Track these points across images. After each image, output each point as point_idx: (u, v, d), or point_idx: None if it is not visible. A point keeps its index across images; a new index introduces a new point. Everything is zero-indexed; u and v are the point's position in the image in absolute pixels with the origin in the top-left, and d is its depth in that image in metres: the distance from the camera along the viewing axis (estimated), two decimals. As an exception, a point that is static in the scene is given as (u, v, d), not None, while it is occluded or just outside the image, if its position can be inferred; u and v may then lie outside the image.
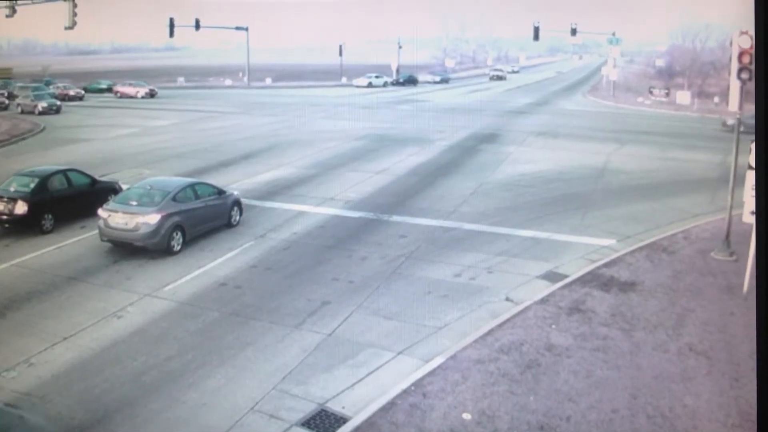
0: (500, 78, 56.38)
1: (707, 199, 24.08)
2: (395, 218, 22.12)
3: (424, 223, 21.56)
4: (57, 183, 21.58)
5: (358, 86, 53.98)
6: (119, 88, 64.08)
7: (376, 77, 53.11)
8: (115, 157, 32.10)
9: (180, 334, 14.39)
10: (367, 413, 11.54)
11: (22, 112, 45.58)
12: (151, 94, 60.78)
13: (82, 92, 59.67)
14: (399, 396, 11.95)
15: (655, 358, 13.09)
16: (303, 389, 12.30)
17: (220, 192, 21.11)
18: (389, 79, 52.50)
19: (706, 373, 12.56)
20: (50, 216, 20.78)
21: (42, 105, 45.81)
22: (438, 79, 55.81)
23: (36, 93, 48.09)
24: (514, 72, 58.88)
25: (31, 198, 20.54)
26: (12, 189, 20.78)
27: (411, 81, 54.54)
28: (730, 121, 31.81)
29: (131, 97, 60.56)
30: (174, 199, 19.39)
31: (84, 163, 27.30)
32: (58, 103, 47.58)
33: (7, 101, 48.27)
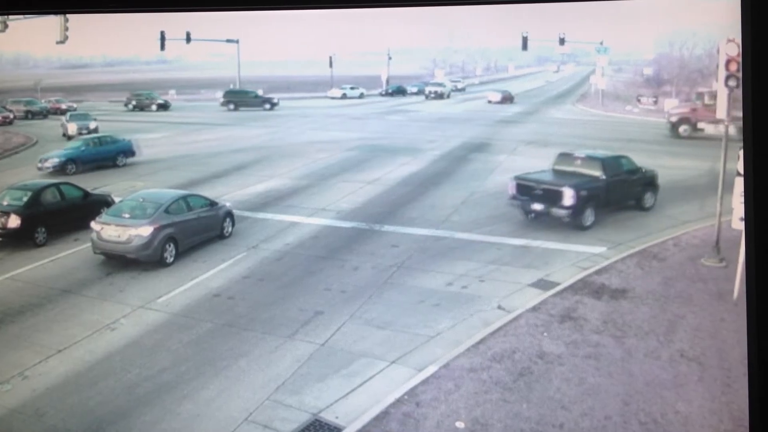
0: (439, 96, 50.66)
1: (696, 206, 24.14)
2: (387, 228, 22.16)
3: (416, 233, 21.61)
4: (50, 196, 21.60)
5: (332, 98, 52.49)
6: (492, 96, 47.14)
7: (351, 88, 51.43)
8: (107, 169, 32.01)
9: (173, 345, 14.42)
10: (361, 423, 11.60)
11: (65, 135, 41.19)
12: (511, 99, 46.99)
13: (75, 106, 58.48)
14: (392, 405, 12.01)
15: (647, 365, 13.17)
16: (297, 399, 12.34)
17: (213, 203, 21.16)
18: (364, 91, 51.00)
19: (698, 379, 12.65)
20: (43, 229, 20.76)
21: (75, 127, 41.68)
22: (415, 90, 53.83)
23: (72, 113, 44.49)
24: (457, 90, 52.11)
25: (24, 211, 20.54)
26: (5, 203, 20.79)
27: (400, 91, 53.23)
28: (674, 118, 32.25)
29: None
30: (166, 211, 19.45)
31: (76, 176, 27.24)
32: (92, 125, 42.46)
33: (12, 116, 46.34)
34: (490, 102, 48.60)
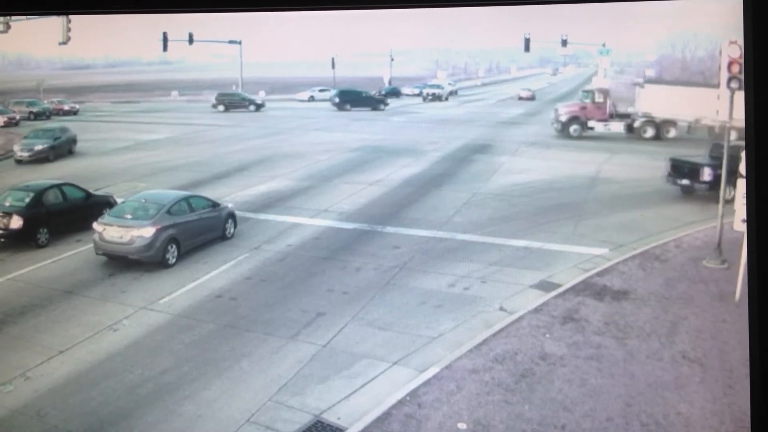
0: (437, 98, 50.69)
1: (698, 208, 24.16)
2: (389, 229, 22.17)
3: (418, 234, 21.62)
4: (52, 197, 21.61)
5: (300, 100, 51.92)
6: None
7: (320, 91, 51.16)
8: (110, 170, 32.04)
9: (175, 346, 14.42)
10: (363, 424, 11.61)
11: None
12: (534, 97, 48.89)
13: (77, 107, 58.16)
14: (394, 406, 12.02)
15: (649, 366, 13.16)
16: (299, 400, 12.34)
17: (215, 205, 21.18)
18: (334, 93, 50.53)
19: (700, 381, 12.64)
20: (45, 230, 20.77)
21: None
22: (417, 91, 53.47)
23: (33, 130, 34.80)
24: (451, 93, 52.28)
25: (27, 212, 20.56)
26: (7, 204, 20.81)
27: (394, 93, 52.89)
28: (563, 117, 32.65)
29: None
30: (169, 212, 19.47)
31: (78, 177, 27.25)
32: (38, 146, 32.43)
33: (17, 117, 45.32)
34: (521, 98, 50.91)
